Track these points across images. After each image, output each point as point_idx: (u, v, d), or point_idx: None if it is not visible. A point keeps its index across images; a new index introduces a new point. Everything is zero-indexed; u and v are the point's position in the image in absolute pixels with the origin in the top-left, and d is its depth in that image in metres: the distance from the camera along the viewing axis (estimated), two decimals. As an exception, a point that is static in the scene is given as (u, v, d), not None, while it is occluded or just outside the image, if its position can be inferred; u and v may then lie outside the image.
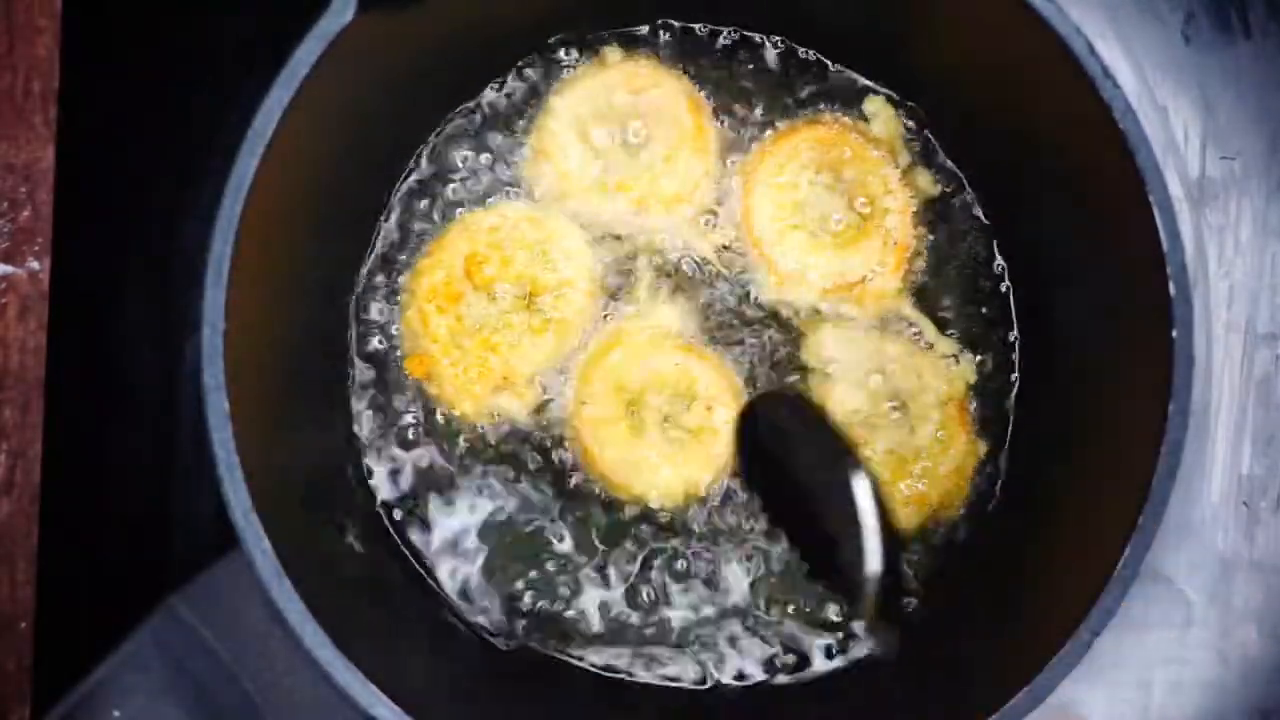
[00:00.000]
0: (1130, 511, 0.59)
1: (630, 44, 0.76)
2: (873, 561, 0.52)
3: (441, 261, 0.73)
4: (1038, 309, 0.74)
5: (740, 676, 0.73)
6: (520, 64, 0.75)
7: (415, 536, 0.73)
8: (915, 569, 0.73)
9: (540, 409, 0.74)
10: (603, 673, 0.73)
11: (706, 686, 0.73)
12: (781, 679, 0.72)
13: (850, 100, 0.76)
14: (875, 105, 0.76)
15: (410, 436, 0.74)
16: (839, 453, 0.55)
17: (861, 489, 0.53)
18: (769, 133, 0.76)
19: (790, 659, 0.72)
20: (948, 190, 0.76)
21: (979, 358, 0.75)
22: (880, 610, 0.53)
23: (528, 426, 0.74)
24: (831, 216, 0.75)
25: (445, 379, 0.73)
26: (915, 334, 0.75)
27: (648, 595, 0.73)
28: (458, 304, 0.73)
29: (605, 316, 0.74)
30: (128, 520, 0.76)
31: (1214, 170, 0.79)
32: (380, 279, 0.74)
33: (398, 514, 0.73)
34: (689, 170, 0.74)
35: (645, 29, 0.76)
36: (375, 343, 0.74)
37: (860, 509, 0.52)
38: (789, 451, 0.62)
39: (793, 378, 0.74)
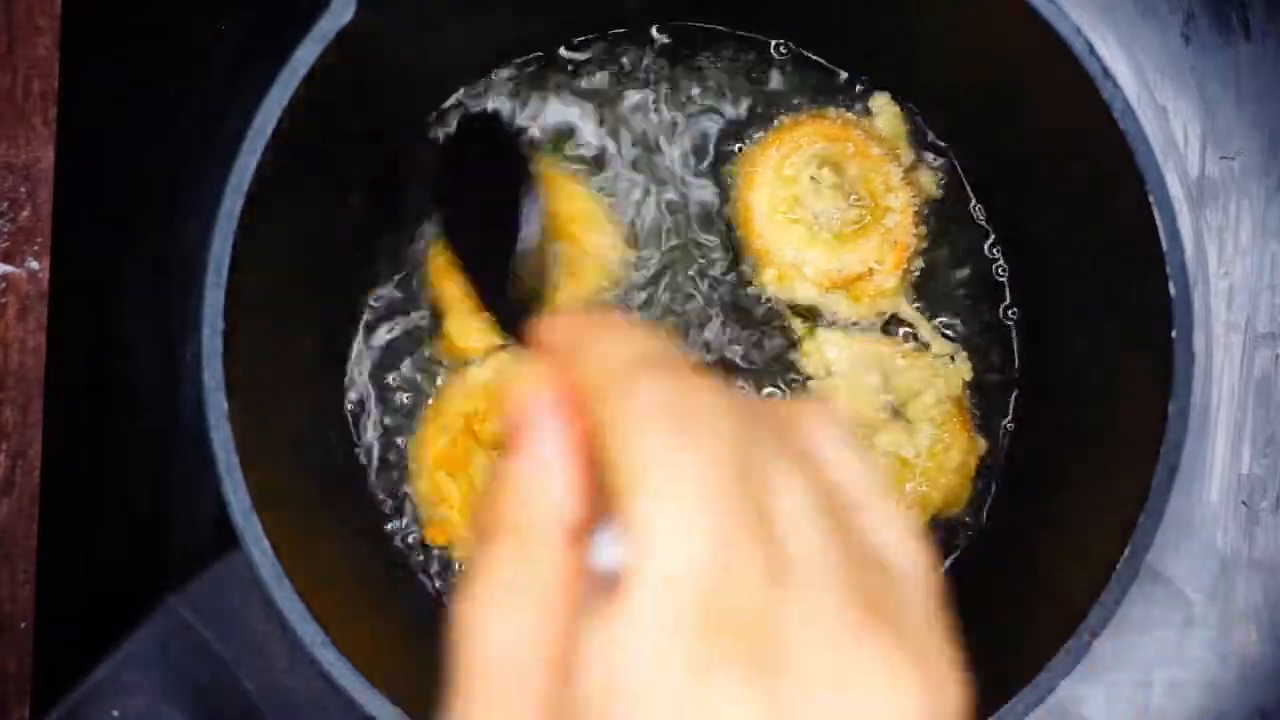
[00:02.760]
0: (1130, 511, 0.59)
1: (623, 42, 0.76)
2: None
3: (442, 426, 0.72)
4: (1036, 309, 0.74)
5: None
6: (524, 62, 0.76)
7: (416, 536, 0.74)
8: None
9: None
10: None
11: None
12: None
13: (856, 96, 0.76)
14: (880, 102, 0.75)
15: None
16: (529, 170, 0.57)
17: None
18: (771, 126, 0.75)
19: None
20: (949, 192, 0.76)
21: (977, 356, 0.75)
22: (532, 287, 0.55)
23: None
24: (831, 212, 0.74)
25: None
26: (911, 334, 0.75)
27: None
28: (468, 466, 0.71)
29: None
30: (128, 520, 0.76)
31: (1214, 170, 0.79)
32: (382, 271, 0.75)
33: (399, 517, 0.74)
34: None
35: (648, 29, 0.76)
36: (383, 333, 0.74)
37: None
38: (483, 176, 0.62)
39: (790, 381, 0.74)
